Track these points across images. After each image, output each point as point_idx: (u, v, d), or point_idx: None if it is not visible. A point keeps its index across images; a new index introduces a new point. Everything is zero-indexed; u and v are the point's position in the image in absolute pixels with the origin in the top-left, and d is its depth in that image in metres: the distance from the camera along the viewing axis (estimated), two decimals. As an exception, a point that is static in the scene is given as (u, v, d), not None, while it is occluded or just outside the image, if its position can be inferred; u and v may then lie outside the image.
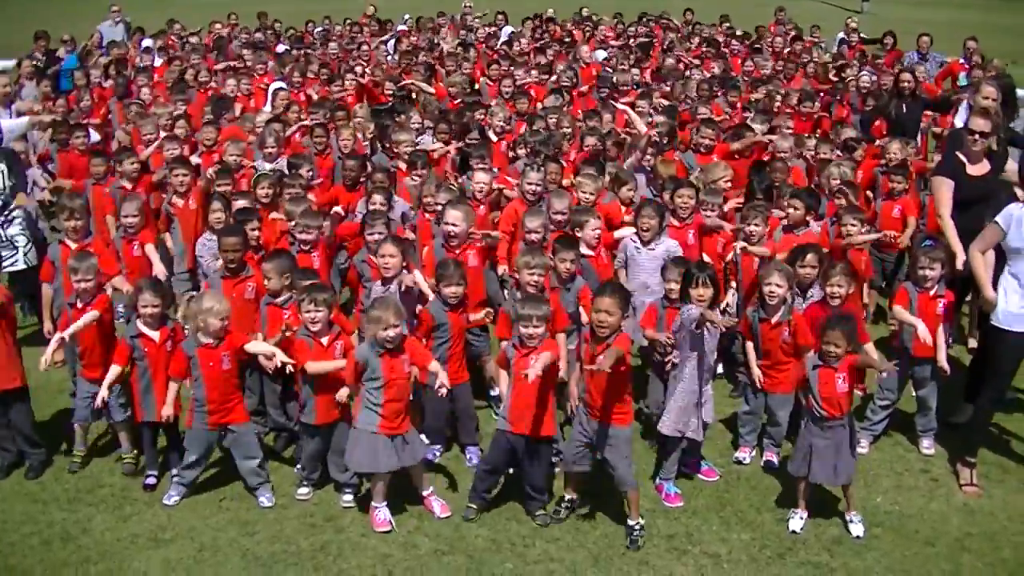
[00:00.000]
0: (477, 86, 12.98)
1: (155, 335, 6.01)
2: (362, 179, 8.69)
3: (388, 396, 5.60)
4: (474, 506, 5.82)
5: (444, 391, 5.63)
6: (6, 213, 8.04)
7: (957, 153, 7.25)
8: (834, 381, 5.59)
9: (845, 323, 5.69)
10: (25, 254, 8.07)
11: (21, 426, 6.31)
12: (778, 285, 6.21)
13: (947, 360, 6.42)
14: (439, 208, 7.53)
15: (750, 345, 6.45)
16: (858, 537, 5.67)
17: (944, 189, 7.09)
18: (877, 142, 9.89)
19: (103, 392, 5.94)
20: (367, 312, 5.75)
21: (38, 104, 11.21)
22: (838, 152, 9.31)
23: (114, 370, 5.98)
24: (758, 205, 7.43)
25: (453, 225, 6.98)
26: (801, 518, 5.82)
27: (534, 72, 13.08)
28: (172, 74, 13.00)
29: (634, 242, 7.22)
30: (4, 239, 8.02)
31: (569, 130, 9.89)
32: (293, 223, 7.30)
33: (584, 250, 6.99)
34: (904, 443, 6.76)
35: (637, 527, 5.66)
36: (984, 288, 6.22)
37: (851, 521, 5.75)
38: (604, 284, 6.08)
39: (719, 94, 11.65)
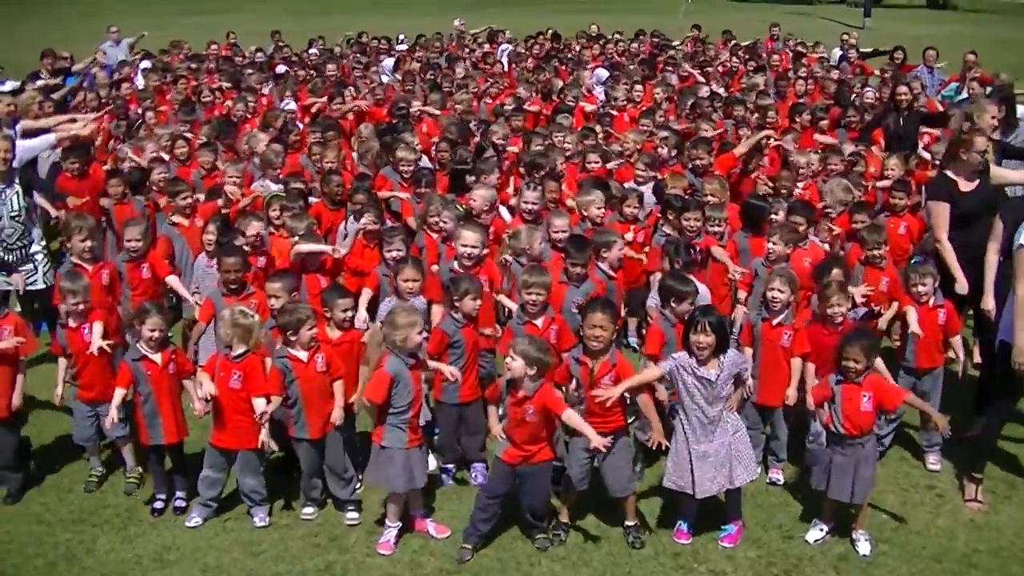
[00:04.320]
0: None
1: (157, 358, 5.98)
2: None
3: (415, 410, 5.63)
4: (469, 546, 5.65)
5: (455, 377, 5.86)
6: (27, 233, 8.05)
7: (947, 172, 7.23)
8: (858, 399, 5.51)
9: (864, 337, 5.63)
10: (44, 273, 8.09)
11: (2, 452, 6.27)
12: (780, 290, 6.21)
13: (953, 375, 6.36)
14: (443, 226, 7.54)
15: (748, 351, 6.32)
16: (865, 555, 5.64)
17: (942, 213, 7.04)
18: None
19: (112, 414, 5.88)
20: (390, 320, 5.62)
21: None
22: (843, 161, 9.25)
23: (119, 393, 5.94)
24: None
25: (473, 248, 6.78)
26: (821, 530, 5.79)
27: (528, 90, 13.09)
28: (179, 95, 13.02)
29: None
30: (26, 258, 8.04)
31: (575, 148, 9.79)
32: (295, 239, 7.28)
33: (607, 270, 6.98)
34: (909, 459, 6.74)
35: (635, 526, 5.76)
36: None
37: (857, 540, 5.71)
38: (593, 299, 5.94)
39: (719, 110, 11.67)
